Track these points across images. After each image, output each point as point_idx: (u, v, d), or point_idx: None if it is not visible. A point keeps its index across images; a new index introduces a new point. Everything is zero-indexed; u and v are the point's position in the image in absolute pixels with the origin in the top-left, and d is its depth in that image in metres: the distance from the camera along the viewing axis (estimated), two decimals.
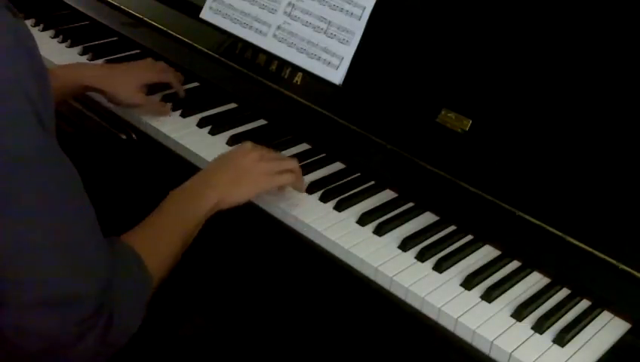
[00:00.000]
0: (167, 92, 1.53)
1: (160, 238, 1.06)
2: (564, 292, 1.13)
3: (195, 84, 1.61)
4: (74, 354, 0.88)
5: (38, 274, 0.83)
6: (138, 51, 1.72)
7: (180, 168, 1.39)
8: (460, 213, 1.24)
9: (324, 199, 1.26)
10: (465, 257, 1.17)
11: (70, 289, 0.85)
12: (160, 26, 1.68)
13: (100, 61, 1.65)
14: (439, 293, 1.09)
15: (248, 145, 1.23)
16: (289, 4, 1.47)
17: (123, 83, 1.42)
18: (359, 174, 1.35)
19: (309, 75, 1.44)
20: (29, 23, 1.80)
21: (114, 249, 0.95)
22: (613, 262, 1.08)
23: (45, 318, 0.84)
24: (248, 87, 1.53)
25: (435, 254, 1.16)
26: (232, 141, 1.40)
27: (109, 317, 0.90)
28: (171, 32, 1.65)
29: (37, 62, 0.85)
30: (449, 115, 1.28)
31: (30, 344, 0.86)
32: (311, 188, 1.28)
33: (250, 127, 1.47)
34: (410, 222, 1.24)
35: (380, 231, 1.20)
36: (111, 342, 0.92)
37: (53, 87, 0.92)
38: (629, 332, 1.07)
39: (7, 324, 0.84)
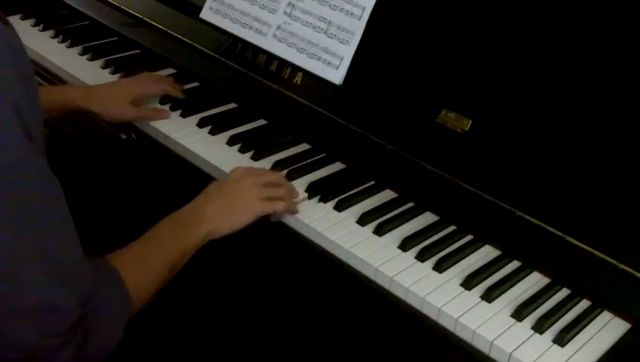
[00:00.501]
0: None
1: (145, 264, 1.05)
2: (564, 292, 1.13)
3: (195, 84, 1.61)
4: None
5: (16, 283, 0.82)
6: (138, 51, 1.72)
7: (179, 168, 1.39)
8: (459, 213, 1.24)
9: (324, 199, 1.26)
10: (465, 257, 1.17)
11: (48, 301, 0.85)
12: (160, 26, 1.68)
13: (100, 61, 1.65)
14: (439, 293, 1.09)
15: (240, 170, 1.23)
16: (289, 4, 1.47)
17: (112, 99, 1.42)
18: (359, 174, 1.35)
19: (309, 75, 1.44)
20: (28, 22, 1.80)
21: (95, 266, 0.95)
22: (613, 262, 1.08)
23: (22, 328, 0.84)
24: (248, 87, 1.53)
25: (435, 254, 1.16)
26: (232, 141, 1.40)
27: (84, 332, 0.90)
28: (171, 32, 1.65)
29: (25, 68, 0.84)
30: (449, 115, 1.28)
31: (6, 354, 0.86)
32: (311, 188, 1.28)
33: (250, 127, 1.47)
34: (410, 222, 1.24)
35: (380, 231, 1.20)
36: (87, 357, 0.91)
37: (50, 105, 0.92)
38: (629, 332, 1.07)
39: None
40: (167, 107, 1.48)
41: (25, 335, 0.85)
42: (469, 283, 1.11)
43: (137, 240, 1.08)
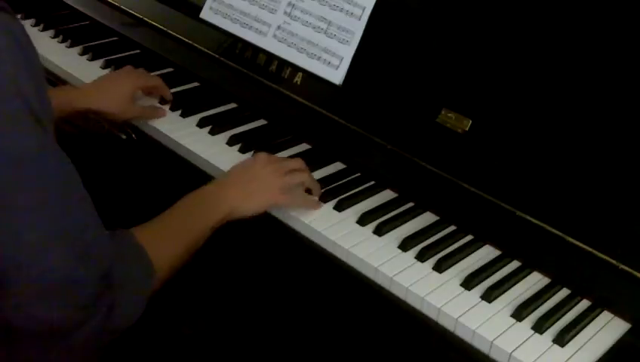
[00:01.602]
0: (170, 91, 1.53)
1: (166, 238, 1.08)
2: (564, 292, 1.13)
3: (195, 84, 1.61)
4: (74, 339, 0.90)
5: (39, 259, 0.85)
6: (138, 51, 1.72)
7: (179, 168, 1.39)
8: (460, 213, 1.24)
9: (324, 199, 1.26)
10: (465, 257, 1.17)
11: (70, 275, 0.87)
12: (160, 26, 1.68)
13: (100, 61, 1.65)
14: (439, 293, 1.09)
15: (263, 157, 1.25)
16: (289, 4, 1.47)
17: (113, 99, 1.40)
18: (359, 174, 1.35)
19: (309, 75, 1.44)
20: (28, 22, 1.80)
21: (116, 238, 0.98)
22: (613, 262, 1.08)
23: (46, 303, 0.87)
24: (248, 87, 1.53)
25: (435, 254, 1.16)
26: (232, 141, 1.40)
27: (110, 304, 0.92)
28: (171, 32, 1.65)
29: (33, 61, 0.86)
30: (449, 115, 1.28)
31: (32, 327, 0.88)
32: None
33: (250, 127, 1.47)
34: (410, 222, 1.24)
35: (380, 231, 1.20)
36: (111, 329, 0.94)
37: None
38: (629, 332, 1.07)
39: (8, 307, 0.86)
40: (166, 107, 1.48)
41: (49, 309, 0.87)
42: (469, 283, 1.11)
43: (159, 215, 1.10)
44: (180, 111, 1.48)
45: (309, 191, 1.25)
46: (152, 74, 1.62)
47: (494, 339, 1.02)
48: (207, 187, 1.18)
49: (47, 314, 0.87)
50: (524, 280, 1.14)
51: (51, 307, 0.87)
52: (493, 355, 1.02)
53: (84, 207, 0.91)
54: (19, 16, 1.80)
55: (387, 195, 1.30)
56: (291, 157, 1.37)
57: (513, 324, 1.05)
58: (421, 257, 1.15)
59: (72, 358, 0.95)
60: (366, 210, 1.24)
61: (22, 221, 0.83)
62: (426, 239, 1.19)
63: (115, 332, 0.95)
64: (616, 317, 1.10)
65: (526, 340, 1.03)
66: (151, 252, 1.01)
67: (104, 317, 0.91)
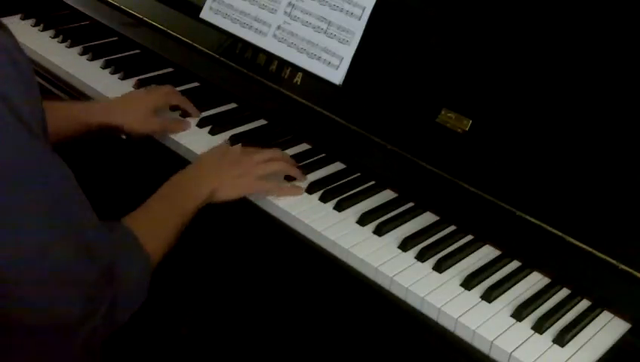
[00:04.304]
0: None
1: (156, 223, 1.11)
2: (564, 292, 1.13)
3: (195, 84, 1.61)
4: (80, 332, 0.92)
5: (42, 259, 0.86)
6: (138, 51, 1.72)
7: (179, 168, 1.39)
8: (460, 213, 1.24)
9: (324, 199, 1.26)
10: (465, 257, 1.17)
11: (73, 273, 0.89)
12: (160, 26, 1.68)
13: (100, 61, 1.65)
14: (439, 293, 1.09)
15: (239, 147, 1.30)
16: (289, 4, 1.47)
17: (134, 113, 1.39)
18: (359, 174, 1.35)
19: (309, 75, 1.44)
20: (28, 22, 1.80)
21: (113, 231, 1.00)
22: (613, 262, 1.08)
23: (51, 301, 0.88)
24: (248, 87, 1.53)
25: (435, 254, 1.16)
26: (232, 141, 1.40)
27: (112, 298, 0.94)
28: (171, 32, 1.65)
29: (22, 69, 0.86)
30: (449, 115, 1.28)
31: (38, 323, 0.90)
32: (311, 188, 1.28)
33: (250, 127, 1.47)
34: (410, 222, 1.24)
35: (380, 231, 1.20)
36: (114, 321, 0.96)
37: (59, 123, 0.96)
38: (629, 332, 1.07)
39: (13, 307, 0.87)
40: (192, 120, 1.46)
41: (54, 305, 0.89)
42: (469, 283, 1.11)
43: (144, 203, 1.13)
44: (180, 112, 1.48)
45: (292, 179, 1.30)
46: (151, 73, 1.63)
47: (494, 339, 1.02)
48: (186, 171, 1.22)
49: (52, 311, 0.89)
50: (524, 280, 1.14)
51: (56, 304, 0.89)
52: (493, 355, 1.02)
53: (82, 207, 0.93)
54: (19, 16, 1.81)
55: (387, 195, 1.30)
56: (291, 157, 1.37)
57: (513, 324, 1.05)
58: (421, 257, 1.15)
59: (75, 353, 0.96)
60: (366, 210, 1.24)
61: (22, 224, 0.84)
62: (426, 239, 1.19)
63: (117, 324, 0.98)
64: (616, 317, 1.10)
65: (526, 340, 1.03)
66: (144, 240, 1.04)
67: (108, 311, 0.94)
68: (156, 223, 1.11)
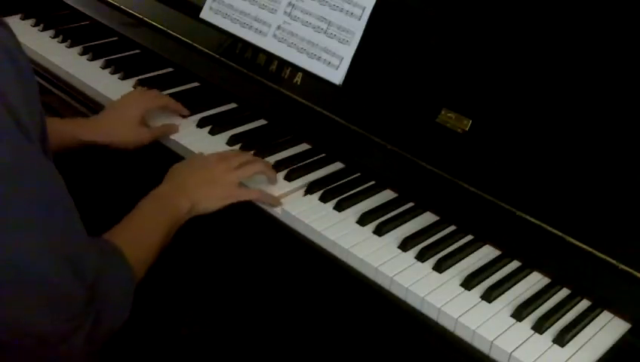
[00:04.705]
0: (170, 91, 1.53)
1: (139, 238, 1.09)
2: (564, 292, 1.13)
3: (195, 84, 1.61)
4: (62, 350, 0.90)
5: (31, 273, 0.84)
6: (138, 51, 1.72)
7: None
8: (460, 213, 1.24)
9: (324, 199, 1.26)
10: (465, 257, 1.17)
11: (62, 288, 0.87)
12: (160, 26, 1.68)
13: (100, 61, 1.65)
14: (439, 293, 1.09)
15: (214, 156, 1.28)
16: (289, 4, 1.47)
17: (122, 128, 1.37)
18: (359, 174, 1.35)
19: (309, 75, 1.44)
20: (28, 22, 1.80)
21: (98, 247, 0.97)
22: (613, 262, 1.08)
23: (34, 316, 0.86)
24: (248, 87, 1.53)
25: (435, 254, 1.16)
26: (232, 141, 1.40)
27: (96, 314, 0.92)
28: (171, 32, 1.65)
29: (22, 69, 0.85)
30: (449, 115, 1.28)
31: (19, 341, 0.88)
32: (311, 188, 1.28)
33: (250, 127, 1.47)
34: (410, 222, 1.24)
35: (380, 231, 1.20)
36: (98, 337, 0.94)
37: (52, 140, 0.96)
38: (629, 332, 1.07)
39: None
40: (179, 120, 1.46)
41: (37, 322, 0.87)
42: (469, 283, 1.11)
43: (125, 217, 1.11)
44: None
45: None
46: (151, 73, 1.63)
47: (494, 339, 1.02)
48: (165, 187, 1.21)
49: (38, 327, 0.87)
50: (524, 280, 1.14)
51: (43, 320, 0.87)
52: (493, 355, 1.02)
53: (71, 219, 0.90)
54: (19, 16, 1.81)
55: (387, 195, 1.30)
56: (291, 157, 1.37)
57: (513, 324, 1.05)
58: (421, 257, 1.15)
59: None
60: (366, 210, 1.24)
61: (10, 236, 0.82)
62: (426, 239, 1.19)
63: (100, 342, 0.95)
64: (616, 317, 1.10)
65: (526, 340, 1.03)
66: (127, 254, 1.02)
67: (91, 327, 0.91)
68: (140, 237, 1.09)
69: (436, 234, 1.21)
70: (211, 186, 1.22)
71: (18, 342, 0.88)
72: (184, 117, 1.47)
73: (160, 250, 1.12)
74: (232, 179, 1.24)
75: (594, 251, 1.10)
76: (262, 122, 1.50)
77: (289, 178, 1.31)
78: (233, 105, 1.54)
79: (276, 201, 1.25)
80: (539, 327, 1.04)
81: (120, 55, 1.69)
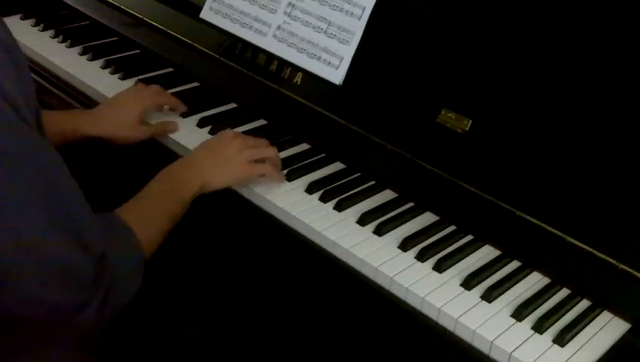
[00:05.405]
0: (170, 91, 1.53)
1: (149, 215, 1.11)
2: (564, 292, 1.13)
3: (195, 84, 1.61)
4: (75, 322, 0.93)
5: (38, 250, 0.86)
6: (138, 51, 1.72)
7: None
8: (460, 213, 1.24)
9: (324, 199, 1.26)
10: (465, 257, 1.17)
11: (69, 261, 0.89)
12: (160, 26, 1.68)
13: (100, 61, 1.65)
14: (439, 293, 1.09)
15: (230, 133, 1.30)
16: (289, 4, 1.47)
17: (121, 123, 1.37)
18: (359, 174, 1.35)
19: (309, 75, 1.44)
20: (28, 22, 1.80)
21: (106, 222, 1.00)
22: (613, 262, 1.08)
23: (49, 290, 0.89)
24: (248, 87, 1.53)
25: (435, 254, 1.16)
26: None
27: (108, 284, 0.94)
28: (171, 32, 1.65)
29: (15, 56, 0.87)
30: (449, 115, 1.28)
31: (32, 314, 0.90)
32: (311, 188, 1.28)
33: (250, 127, 1.47)
34: (410, 222, 1.24)
35: (380, 231, 1.20)
36: (111, 308, 0.96)
37: (52, 132, 0.99)
38: (629, 332, 1.07)
39: (9, 296, 0.87)
40: (178, 119, 1.46)
41: (52, 296, 0.89)
42: (469, 283, 1.11)
43: (135, 196, 1.13)
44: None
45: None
46: (151, 73, 1.63)
47: (494, 339, 1.02)
48: (178, 163, 1.23)
49: (50, 300, 0.89)
50: (524, 280, 1.14)
51: (54, 293, 0.89)
52: (493, 355, 1.02)
53: (74, 197, 0.92)
54: (19, 16, 1.81)
55: (387, 195, 1.30)
56: (291, 157, 1.37)
57: (513, 324, 1.05)
58: (421, 257, 1.15)
59: (74, 341, 0.97)
60: (366, 210, 1.24)
61: (16, 215, 0.84)
62: (426, 239, 1.19)
63: (111, 314, 0.97)
64: (616, 317, 1.10)
65: (526, 340, 1.03)
66: (137, 231, 1.04)
67: (104, 298, 0.94)
68: (150, 214, 1.11)
69: (436, 234, 1.22)
70: (224, 163, 1.23)
71: (33, 314, 0.90)
72: (184, 116, 1.47)
73: (171, 227, 1.13)
74: (244, 156, 1.25)
75: (594, 251, 1.10)
76: (262, 122, 1.50)
77: (289, 178, 1.31)
78: (233, 105, 1.54)
79: (282, 180, 1.28)
80: (539, 327, 1.04)
81: (120, 55, 1.69)
